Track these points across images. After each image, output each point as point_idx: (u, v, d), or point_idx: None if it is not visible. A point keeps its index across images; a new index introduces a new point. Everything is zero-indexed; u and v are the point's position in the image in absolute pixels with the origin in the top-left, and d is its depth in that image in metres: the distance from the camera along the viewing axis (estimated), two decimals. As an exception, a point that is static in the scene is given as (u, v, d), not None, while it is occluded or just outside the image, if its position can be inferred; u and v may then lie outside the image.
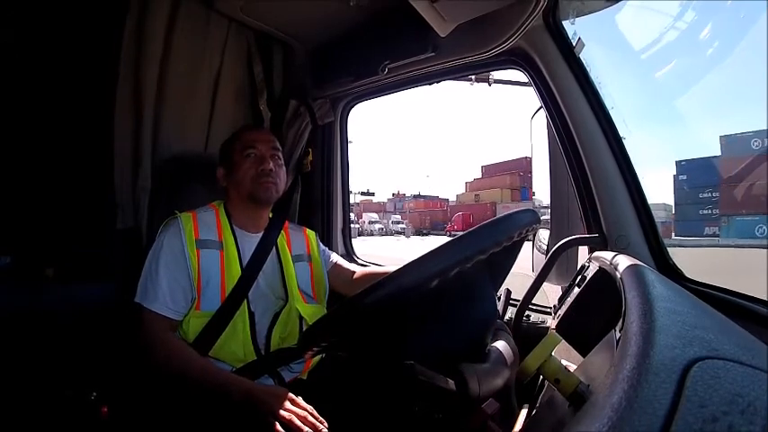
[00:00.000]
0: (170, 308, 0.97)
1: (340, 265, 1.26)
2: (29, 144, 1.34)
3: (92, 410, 1.11)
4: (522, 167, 40.58)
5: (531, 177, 38.23)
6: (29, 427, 1.05)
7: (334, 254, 1.31)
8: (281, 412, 0.80)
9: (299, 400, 0.84)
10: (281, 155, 1.14)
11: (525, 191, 38.54)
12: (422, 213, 43.69)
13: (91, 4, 1.32)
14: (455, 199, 49.32)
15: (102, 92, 1.28)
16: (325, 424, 0.81)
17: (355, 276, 1.22)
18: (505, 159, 45.83)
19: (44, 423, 1.06)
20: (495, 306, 0.64)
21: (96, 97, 1.30)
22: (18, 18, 1.29)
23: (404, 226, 33.20)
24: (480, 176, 46.91)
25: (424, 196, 54.35)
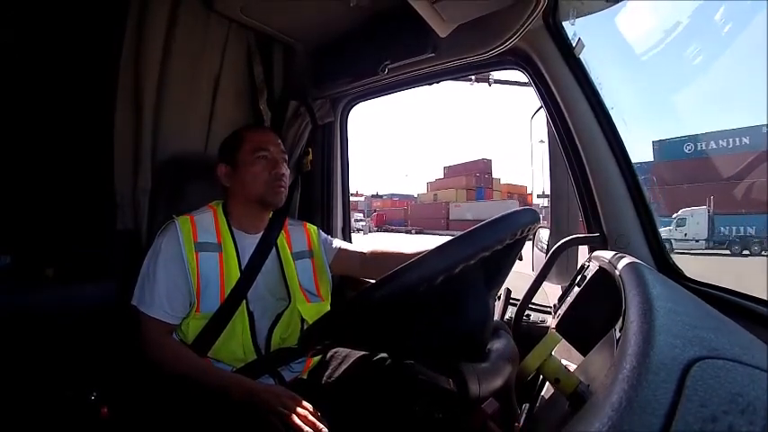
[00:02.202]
0: (168, 312, 0.97)
1: (345, 249, 1.24)
2: (29, 144, 1.34)
3: (92, 410, 1.11)
4: (479, 169, 43.12)
5: (488, 178, 42.13)
6: (29, 428, 1.05)
7: (337, 240, 1.30)
8: (282, 410, 0.80)
9: (300, 398, 0.84)
10: (287, 157, 1.14)
11: (481, 191, 40.96)
12: (381, 212, 45.87)
13: (91, 5, 1.32)
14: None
15: (103, 92, 1.28)
16: (326, 423, 0.81)
17: (364, 258, 1.21)
18: (466, 161, 47.87)
19: (44, 423, 1.06)
20: (493, 305, 0.64)
21: (96, 97, 1.30)
22: (18, 18, 1.29)
23: (364, 223, 33.84)
24: (443, 177, 48.57)
25: (381, 196, 57.12)
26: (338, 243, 1.26)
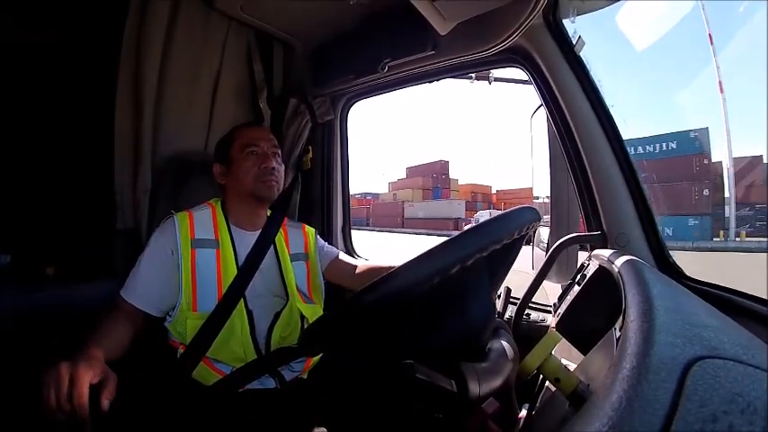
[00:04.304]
0: (146, 302, 0.99)
1: (341, 260, 1.24)
2: (30, 144, 1.34)
3: (92, 411, 1.11)
4: (436, 170, 45.50)
5: (444, 179, 44.66)
6: (29, 428, 1.05)
7: (335, 248, 1.29)
8: (48, 377, 0.71)
9: (85, 371, 0.73)
10: (280, 152, 1.15)
11: (438, 191, 43.01)
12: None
13: (91, 5, 1.32)
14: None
15: (103, 91, 1.27)
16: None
17: (358, 270, 1.20)
18: (426, 162, 49.90)
19: (44, 423, 1.06)
20: (494, 305, 0.64)
21: (96, 97, 1.30)
22: (18, 18, 1.29)
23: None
24: (405, 177, 50.52)
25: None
26: (335, 252, 1.26)
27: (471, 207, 36.65)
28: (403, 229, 31.67)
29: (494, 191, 46.62)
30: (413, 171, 49.21)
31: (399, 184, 48.82)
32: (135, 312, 0.99)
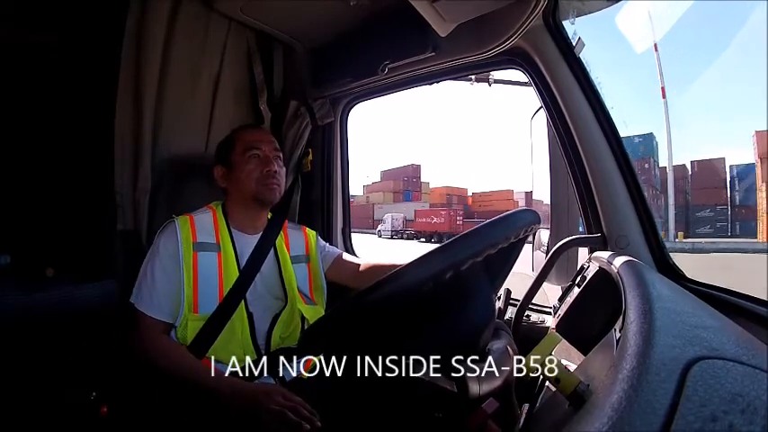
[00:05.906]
0: (165, 312, 0.98)
1: (343, 260, 1.24)
2: (30, 145, 1.34)
3: (91, 410, 1.11)
4: (407, 174, 47.21)
5: (416, 182, 46.40)
6: (29, 428, 1.05)
7: (336, 248, 1.30)
8: (275, 408, 0.81)
9: (291, 394, 0.85)
10: (281, 155, 1.14)
11: (408, 193, 44.55)
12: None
13: (91, 5, 1.32)
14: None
15: (103, 92, 1.28)
16: (317, 416, 0.81)
17: (360, 269, 1.20)
18: (399, 166, 51.15)
19: (44, 423, 1.06)
20: (494, 306, 0.64)
21: (97, 98, 1.30)
22: (18, 18, 1.29)
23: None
24: (379, 180, 51.74)
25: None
26: (336, 251, 1.27)
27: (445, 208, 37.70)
28: (373, 230, 33.19)
29: (470, 193, 47.16)
30: (386, 174, 50.46)
31: (373, 187, 49.95)
32: (159, 323, 0.99)
